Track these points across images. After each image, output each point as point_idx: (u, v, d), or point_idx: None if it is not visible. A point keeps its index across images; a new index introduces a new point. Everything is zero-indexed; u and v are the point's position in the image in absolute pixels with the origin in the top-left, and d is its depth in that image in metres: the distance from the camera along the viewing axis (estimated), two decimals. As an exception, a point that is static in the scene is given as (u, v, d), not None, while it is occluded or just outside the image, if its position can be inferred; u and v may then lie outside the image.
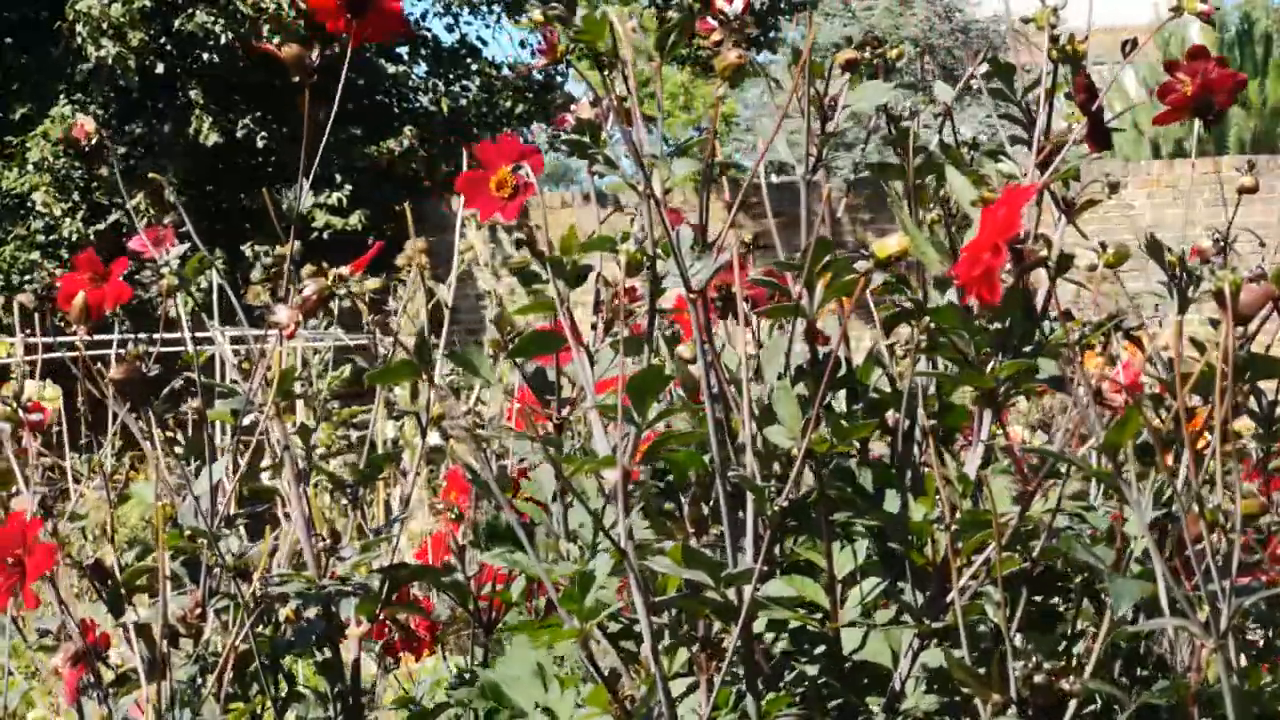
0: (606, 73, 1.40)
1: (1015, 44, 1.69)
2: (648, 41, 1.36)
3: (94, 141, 1.70)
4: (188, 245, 1.73)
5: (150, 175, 1.77)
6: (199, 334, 1.82)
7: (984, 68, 1.44)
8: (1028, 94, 1.46)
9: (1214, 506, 1.24)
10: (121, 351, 1.68)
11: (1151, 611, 1.45)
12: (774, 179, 1.69)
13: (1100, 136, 1.43)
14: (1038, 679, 1.28)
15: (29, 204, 10.56)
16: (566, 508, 1.55)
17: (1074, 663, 1.33)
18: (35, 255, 10.49)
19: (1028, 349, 1.41)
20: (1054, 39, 1.41)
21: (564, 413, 1.51)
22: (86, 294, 1.68)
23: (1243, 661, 1.43)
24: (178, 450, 1.74)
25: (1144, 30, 1.49)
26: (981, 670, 1.30)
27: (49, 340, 1.79)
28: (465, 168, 1.49)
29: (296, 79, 1.59)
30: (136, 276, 1.82)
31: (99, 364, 1.71)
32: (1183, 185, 10.05)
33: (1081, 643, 1.54)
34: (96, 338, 1.71)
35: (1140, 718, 1.33)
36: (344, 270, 1.53)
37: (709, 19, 1.42)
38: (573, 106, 1.46)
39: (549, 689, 1.58)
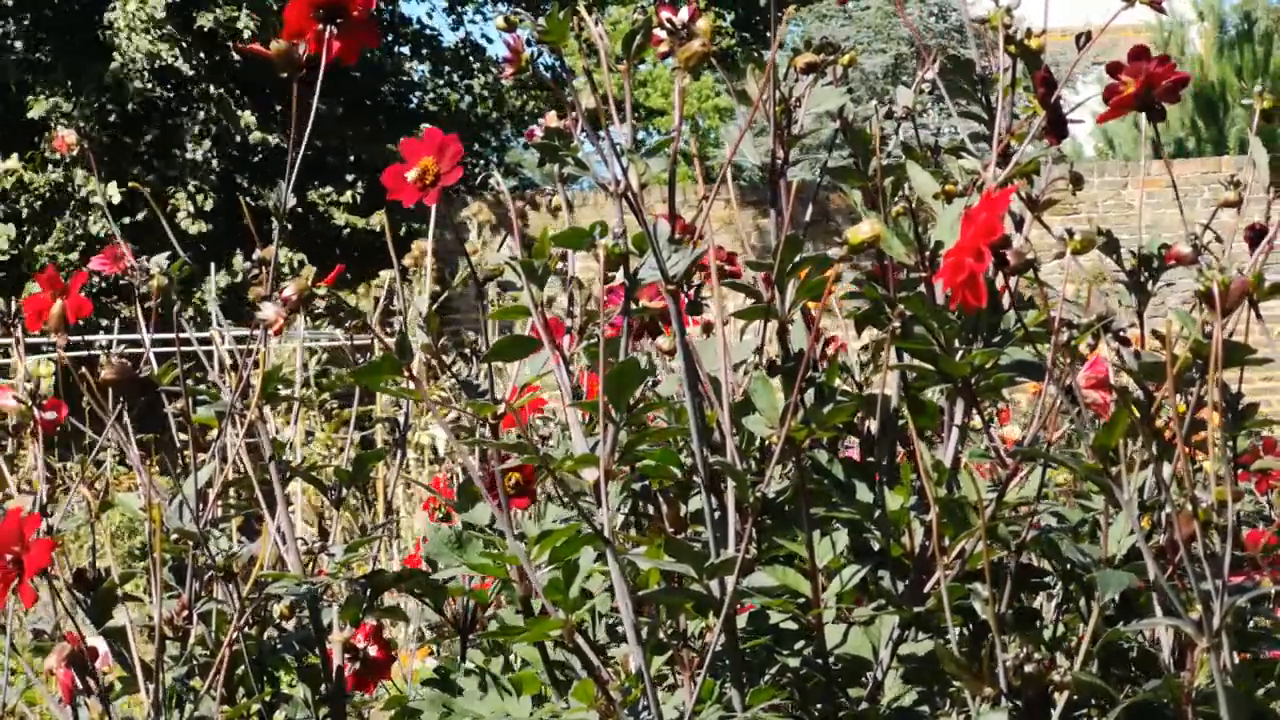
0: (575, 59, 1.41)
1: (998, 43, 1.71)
2: (612, 44, 1.38)
3: (74, 153, 1.73)
4: (169, 254, 1.76)
5: (131, 185, 1.79)
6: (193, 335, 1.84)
7: (938, 69, 1.46)
8: (987, 90, 1.48)
9: (1207, 505, 1.24)
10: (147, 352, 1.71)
11: (1129, 606, 1.46)
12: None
13: (1058, 128, 1.45)
14: (1029, 669, 1.26)
15: (55, 203, 10.39)
16: (508, 512, 1.57)
17: (1057, 659, 1.33)
18: (74, 256, 10.13)
19: (996, 340, 1.43)
20: (1009, 37, 1.43)
21: (500, 411, 1.52)
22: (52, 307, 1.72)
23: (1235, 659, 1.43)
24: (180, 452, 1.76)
25: (1132, 30, 1.52)
26: (970, 663, 1.30)
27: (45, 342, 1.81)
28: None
29: (285, 75, 1.59)
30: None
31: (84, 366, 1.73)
32: (1182, 185, 10.04)
33: (1060, 630, 1.55)
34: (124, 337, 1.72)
35: (1127, 715, 1.33)
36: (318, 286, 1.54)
37: (655, 30, 1.43)
38: (540, 120, 1.48)
39: (503, 697, 1.60)
